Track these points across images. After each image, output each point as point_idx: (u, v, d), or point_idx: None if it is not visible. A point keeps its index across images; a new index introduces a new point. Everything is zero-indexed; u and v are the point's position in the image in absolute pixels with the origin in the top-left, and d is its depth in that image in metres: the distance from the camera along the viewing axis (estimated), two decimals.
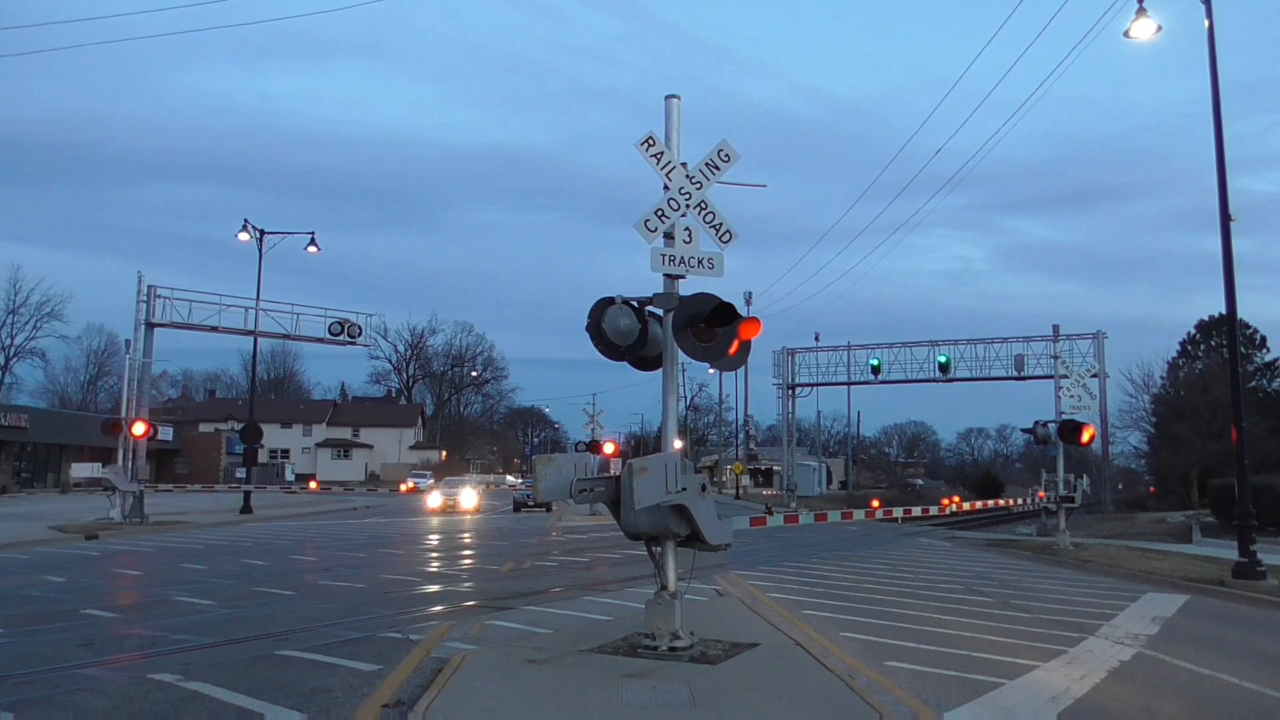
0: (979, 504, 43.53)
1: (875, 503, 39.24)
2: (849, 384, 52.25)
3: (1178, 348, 59.99)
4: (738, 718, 6.60)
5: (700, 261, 9.31)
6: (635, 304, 9.23)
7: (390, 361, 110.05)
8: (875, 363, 47.79)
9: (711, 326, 8.97)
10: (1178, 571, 17.93)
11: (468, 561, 19.35)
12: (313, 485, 66.26)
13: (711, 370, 67.33)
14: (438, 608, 12.47)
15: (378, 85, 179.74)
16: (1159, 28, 17.30)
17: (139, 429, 27.91)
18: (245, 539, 24.59)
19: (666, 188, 9.27)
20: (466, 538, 26.38)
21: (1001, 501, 46.89)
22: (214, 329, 31.36)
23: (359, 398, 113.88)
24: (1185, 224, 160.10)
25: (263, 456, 76.84)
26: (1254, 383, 53.55)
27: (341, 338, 32.90)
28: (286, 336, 34.98)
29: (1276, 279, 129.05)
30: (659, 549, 8.94)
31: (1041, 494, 26.58)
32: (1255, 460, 27.82)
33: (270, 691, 7.36)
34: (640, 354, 9.44)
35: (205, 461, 73.70)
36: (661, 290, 9.20)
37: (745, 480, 71.56)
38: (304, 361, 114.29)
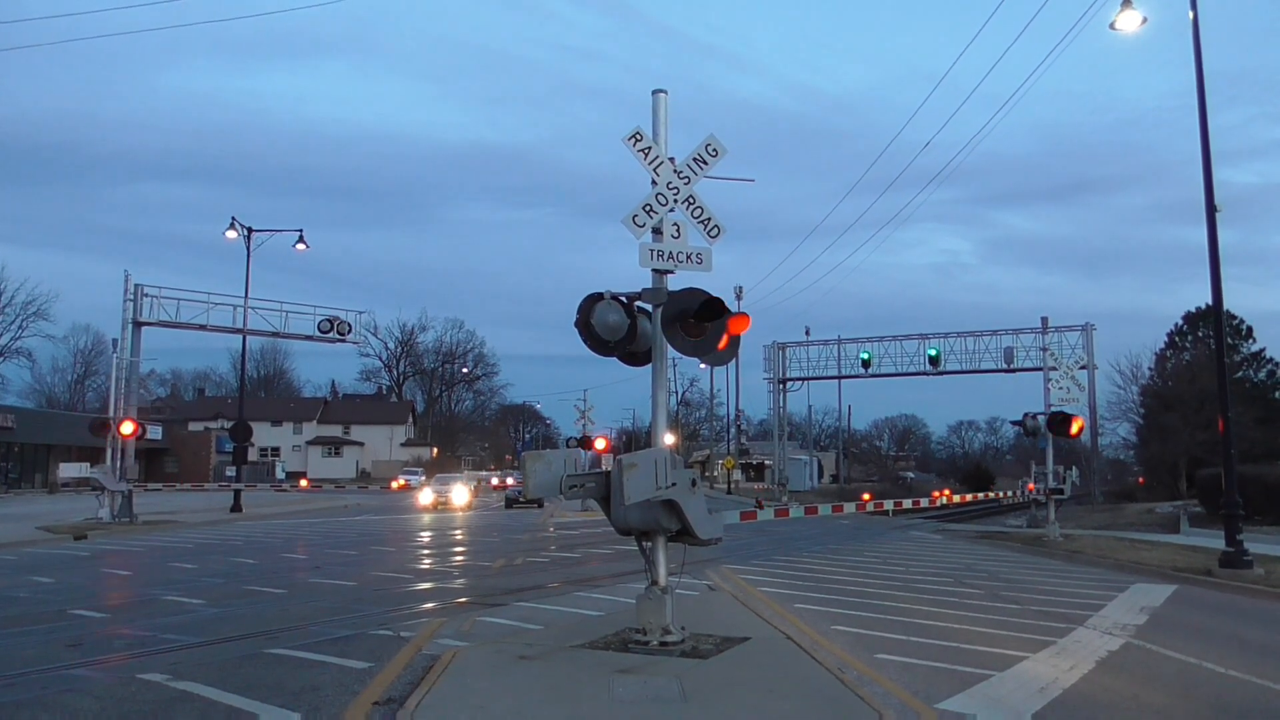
0: (969, 496, 43.69)
1: (866, 496, 39.36)
2: (839, 378, 52.39)
3: (1165, 339, 60.36)
4: (729, 712, 6.61)
5: (689, 256, 9.30)
6: (624, 299, 9.22)
7: (380, 359, 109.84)
8: (865, 356, 47.94)
9: (701, 321, 8.97)
10: (1166, 562, 18.04)
11: (459, 558, 19.34)
12: (303, 484, 66.07)
13: (702, 365, 67.41)
14: (429, 605, 12.45)
15: (365, 84, 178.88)
16: (1144, 19, 17.37)
17: (128, 428, 27.80)
18: (235, 538, 24.52)
19: (654, 183, 9.25)
20: (458, 534, 26.36)
21: (992, 494, 47.10)
22: (202, 327, 31.24)
23: (349, 395, 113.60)
24: (1171, 216, 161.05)
25: (253, 455, 76.52)
26: (1241, 373, 53.89)
27: (331, 335, 32.80)
28: (275, 334, 34.84)
29: (1262, 270, 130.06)
30: (650, 544, 8.94)
31: (1031, 486, 26.72)
32: (1242, 450, 27.99)
33: (260, 690, 7.34)
34: (629, 349, 9.43)
35: (195, 460, 73.39)
36: (650, 285, 9.19)
37: (737, 475, 71.62)
38: (294, 359, 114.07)
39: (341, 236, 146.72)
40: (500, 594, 13.40)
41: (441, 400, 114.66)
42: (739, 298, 56.71)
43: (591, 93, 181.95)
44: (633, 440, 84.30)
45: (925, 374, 46.75)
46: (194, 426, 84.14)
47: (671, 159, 9.33)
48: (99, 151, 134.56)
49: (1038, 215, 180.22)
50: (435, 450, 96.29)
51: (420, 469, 74.55)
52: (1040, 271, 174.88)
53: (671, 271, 9.23)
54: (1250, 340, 57.76)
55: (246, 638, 9.78)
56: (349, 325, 33.26)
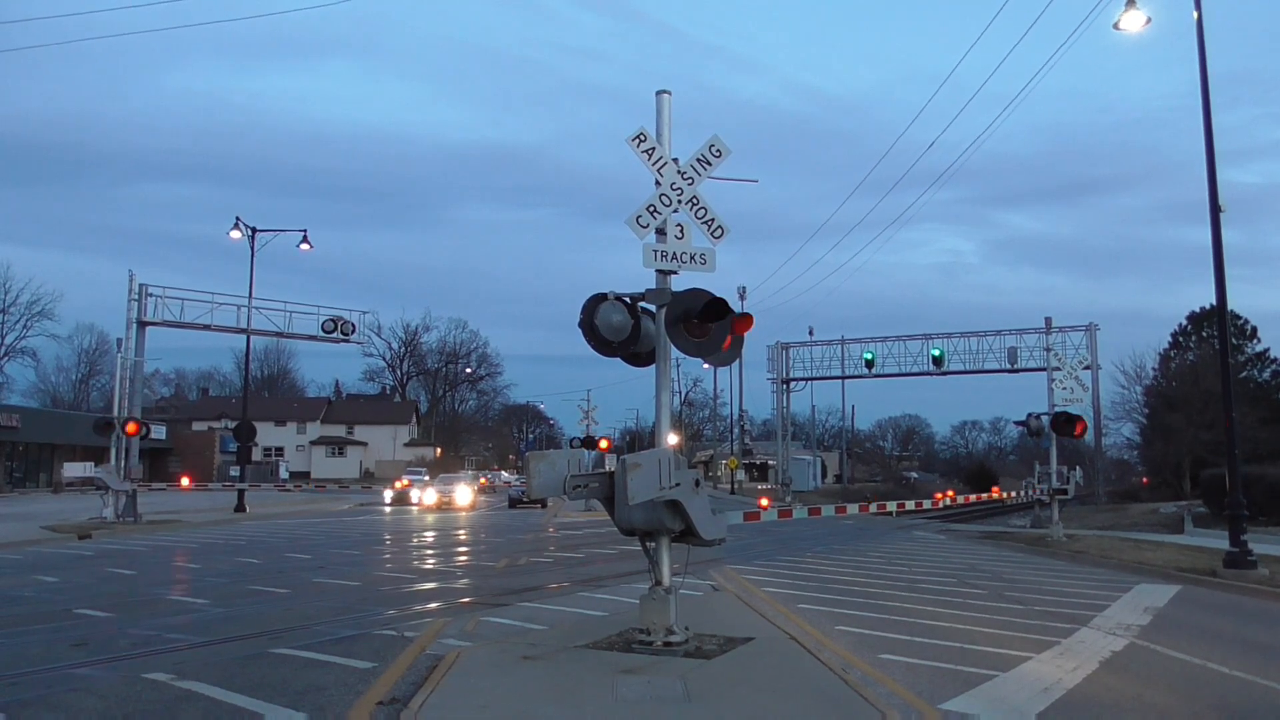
0: (973, 497, 43.64)
1: (871, 500, 39.36)
2: (843, 378, 52.36)
3: (1169, 339, 60.17)
4: (732, 712, 6.61)
5: (692, 257, 9.31)
6: (628, 300, 9.23)
7: (384, 359, 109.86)
8: (869, 356, 47.91)
9: (704, 322, 8.97)
10: (1170, 562, 18.01)
11: (463, 558, 19.35)
12: (308, 484, 66.13)
13: (705, 365, 67.39)
14: (433, 605, 12.46)
15: (369, 84, 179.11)
16: (1148, 19, 17.35)
17: (132, 427, 27.84)
18: (239, 537, 24.56)
19: (658, 183, 9.26)
20: (462, 534, 26.38)
21: (995, 494, 47.00)
22: (206, 327, 31.29)
23: (353, 395, 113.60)
24: (1174, 216, 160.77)
25: (256, 455, 76.69)
26: (1245, 373, 53.74)
27: (335, 335, 32.85)
28: (279, 334, 34.89)
29: (1266, 270, 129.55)
30: (653, 544, 8.95)
31: (1035, 489, 26.68)
32: (1246, 450, 27.94)
33: (264, 690, 7.35)
34: (633, 350, 9.43)
35: (199, 460, 73.46)
36: (654, 286, 9.20)
37: (740, 475, 71.56)
38: (298, 359, 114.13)
39: (345, 236, 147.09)
40: (504, 594, 13.41)
41: (445, 400, 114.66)
42: (743, 298, 56.73)
43: (595, 93, 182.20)
44: (636, 440, 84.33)
45: (929, 374, 46.71)
46: (198, 426, 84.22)
47: (675, 160, 9.34)
48: (103, 151, 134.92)
49: (1041, 215, 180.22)
50: (439, 450, 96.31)
51: (424, 469, 74.41)
52: (1044, 272, 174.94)
53: (675, 272, 9.23)
54: (1255, 340, 57.64)
55: (251, 637, 9.80)
56: (353, 325, 33.30)
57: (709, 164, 9.39)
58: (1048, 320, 34.45)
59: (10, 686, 7.64)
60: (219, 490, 45.99)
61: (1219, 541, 18.78)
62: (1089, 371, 37.56)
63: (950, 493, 44.84)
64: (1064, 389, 24.89)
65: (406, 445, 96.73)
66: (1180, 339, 59.46)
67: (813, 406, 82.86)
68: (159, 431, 61.22)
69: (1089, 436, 35.66)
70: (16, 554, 19.75)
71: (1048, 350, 27.92)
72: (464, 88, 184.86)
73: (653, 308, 9.21)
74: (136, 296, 28.82)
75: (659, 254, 9.17)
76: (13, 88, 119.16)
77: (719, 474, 72.04)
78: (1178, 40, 21.04)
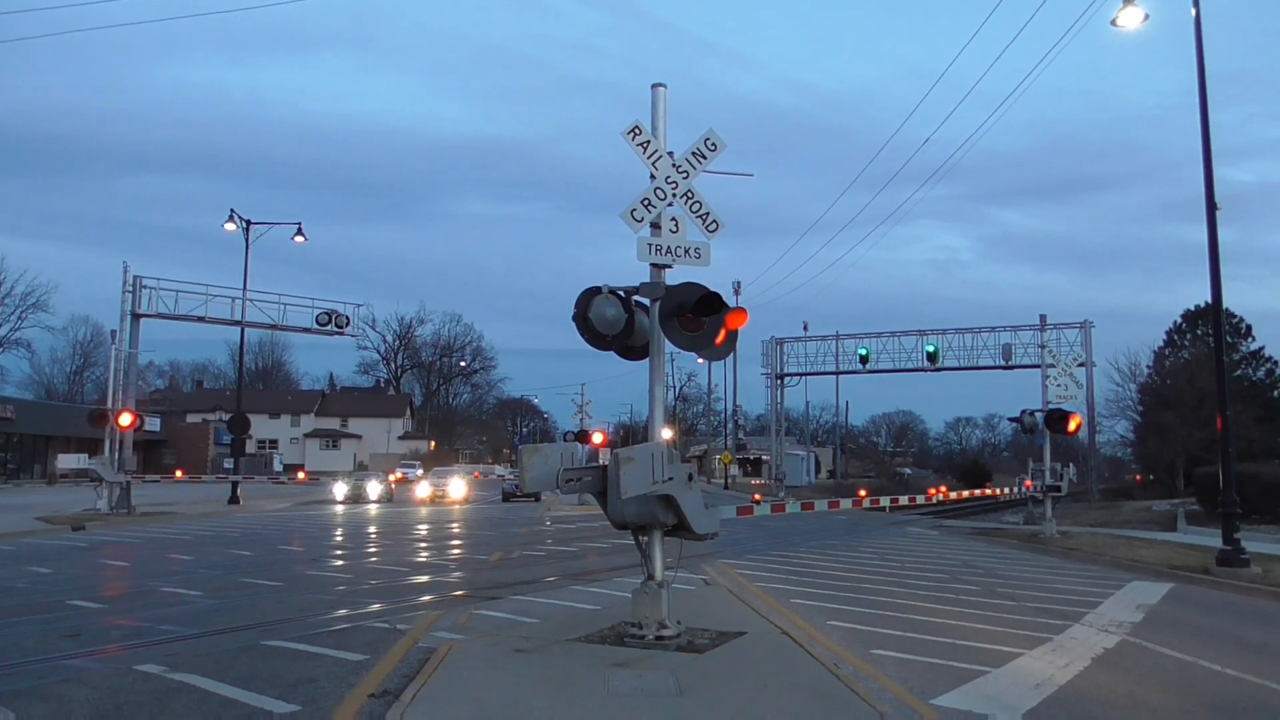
0: (966, 493, 43.73)
1: (863, 492, 39.37)
2: (837, 373, 52.34)
3: (1164, 337, 60.27)
4: (724, 707, 6.62)
5: (687, 251, 9.29)
6: (622, 293, 9.19)
7: (378, 352, 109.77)
8: (863, 352, 47.93)
9: (698, 316, 8.95)
10: (1163, 559, 18.06)
11: (456, 551, 19.35)
12: (301, 476, 66.02)
13: (700, 360, 67.25)
14: (426, 597, 12.46)
15: (364, 78, 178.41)
16: (1146, 16, 17.34)
17: (126, 419, 27.77)
18: (232, 530, 24.52)
19: (653, 177, 9.24)
20: (455, 528, 26.37)
21: (989, 490, 47.11)
22: (201, 319, 31.26)
23: (347, 388, 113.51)
24: (1169, 214, 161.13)
25: (250, 447, 76.54)
26: (1239, 372, 53.85)
27: (329, 328, 32.85)
28: (274, 327, 34.83)
29: (1260, 268, 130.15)
30: (646, 538, 8.95)
31: (1029, 483, 26.75)
32: (1240, 449, 28.06)
33: (256, 682, 7.35)
34: (627, 343, 9.41)
35: (193, 452, 73.35)
36: (648, 280, 9.18)
37: (734, 470, 71.63)
38: (292, 352, 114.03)
39: (340, 230, 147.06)
40: (497, 587, 13.41)
41: (439, 394, 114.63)
42: (737, 293, 56.61)
43: (590, 88, 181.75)
44: (630, 435, 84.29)
45: (923, 370, 46.76)
46: (192, 418, 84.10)
47: (670, 153, 9.30)
48: (98, 144, 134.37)
49: (1036, 212, 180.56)
50: (433, 443, 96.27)
51: (418, 462, 74.39)
52: (1039, 269, 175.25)
53: (669, 266, 9.21)
54: (1249, 339, 57.74)
55: (243, 629, 9.80)
56: (347, 318, 33.27)
57: (704, 157, 9.36)
58: (1042, 317, 34.33)
59: (3, 677, 7.62)
60: (213, 483, 45.92)
61: (1212, 539, 18.85)
62: (1083, 369, 37.60)
63: (944, 489, 44.89)
64: (1058, 386, 24.93)
65: (401, 438, 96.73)
66: (1175, 337, 59.57)
67: (807, 402, 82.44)
68: (153, 424, 61.08)
69: (1083, 434, 35.74)
70: (10, 545, 19.68)
71: (1042, 347, 27.91)
72: (458, 82, 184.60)
73: (647, 301, 9.19)
74: (131, 288, 28.76)
75: (653, 248, 9.15)
76: (8, 79, 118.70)
77: (713, 469, 72.10)
78: (1175, 38, 21.05)
